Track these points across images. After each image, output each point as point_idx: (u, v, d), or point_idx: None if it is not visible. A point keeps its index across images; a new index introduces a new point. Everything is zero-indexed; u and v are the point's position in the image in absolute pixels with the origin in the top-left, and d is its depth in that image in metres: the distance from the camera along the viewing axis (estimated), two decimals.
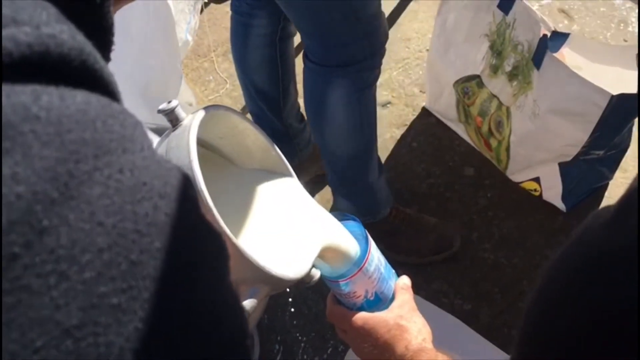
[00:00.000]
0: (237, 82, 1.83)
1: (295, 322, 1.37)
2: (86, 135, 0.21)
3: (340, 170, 1.31)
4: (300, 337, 1.35)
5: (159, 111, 0.46)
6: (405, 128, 1.69)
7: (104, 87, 0.24)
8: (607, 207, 0.28)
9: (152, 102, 1.32)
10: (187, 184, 0.25)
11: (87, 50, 0.22)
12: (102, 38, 0.28)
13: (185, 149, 0.43)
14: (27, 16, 0.21)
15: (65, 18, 0.23)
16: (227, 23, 2.01)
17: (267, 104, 1.40)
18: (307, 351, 1.33)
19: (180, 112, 0.47)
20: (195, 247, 0.24)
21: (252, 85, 1.39)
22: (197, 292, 0.23)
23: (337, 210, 1.42)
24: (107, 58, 0.29)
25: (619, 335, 0.24)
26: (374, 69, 1.16)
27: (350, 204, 1.37)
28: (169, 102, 0.46)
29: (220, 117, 0.52)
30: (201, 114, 0.47)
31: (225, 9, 2.03)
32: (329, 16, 1.04)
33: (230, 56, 1.92)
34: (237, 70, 1.42)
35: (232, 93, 1.85)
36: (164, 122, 0.51)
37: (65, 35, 0.22)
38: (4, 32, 0.20)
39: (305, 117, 1.52)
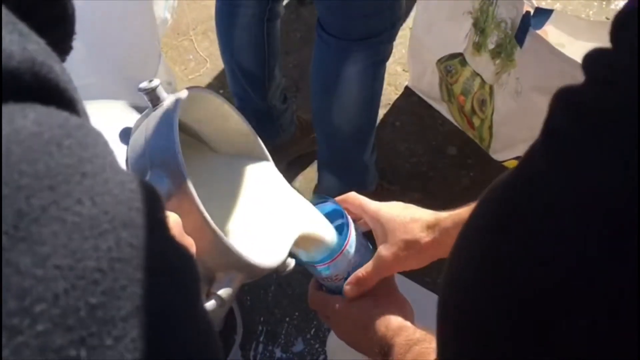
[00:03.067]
0: (218, 62, 1.81)
1: (278, 302, 1.37)
2: (39, 165, 0.18)
3: (340, 148, 1.31)
4: (283, 318, 1.35)
5: (140, 90, 0.45)
6: (388, 107, 1.67)
7: (59, 98, 0.21)
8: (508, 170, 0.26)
9: (130, 81, 1.29)
10: (153, 203, 0.23)
11: (39, 60, 0.20)
12: (62, 29, 0.26)
13: (165, 131, 0.42)
14: None
15: (15, 18, 0.21)
16: (207, 1, 1.97)
17: (251, 85, 1.39)
18: (290, 332, 1.33)
19: (162, 91, 0.45)
20: (165, 278, 0.22)
21: (237, 66, 1.37)
22: (168, 329, 0.21)
23: (324, 188, 1.41)
24: (67, 49, 0.27)
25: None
26: (391, 42, 1.17)
27: (340, 181, 1.37)
28: (150, 81, 0.45)
29: (201, 100, 0.51)
30: (183, 95, 0.46)
31: None
32: None
33: (211, 35, 1.89)
34: (222, 51, 1.39)
35: (213, 72, 1.82)
36: (142, 102, 0.50)
37: (15, 46, 0.19)
38: None
39: (287, 97, 1.51)
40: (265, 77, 1.38)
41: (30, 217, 0.18)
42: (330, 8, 1.10)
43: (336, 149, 1.31)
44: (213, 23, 1.90)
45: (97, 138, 0.21)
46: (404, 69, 1.74)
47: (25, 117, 0.19)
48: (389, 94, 1.70)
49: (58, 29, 0.25)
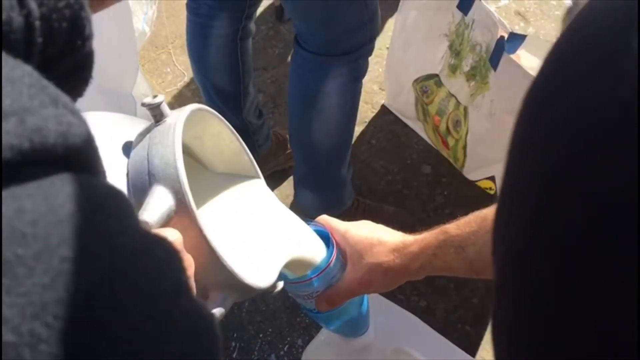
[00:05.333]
0: None
1: (251, 319, 1.36)
2: (76, 249, 0.19)
3: (318, 164, 1.31)
4: (256, 334, 1.34)
5: (144, 105, 0.45)
6: (364, 125, 1.69)
7: (83, 162, 0.22)
8: None
9: (107, 93, 1.28)
10: (178, 266, 0.23)
11: (71, 132, 0.21)
12: (81, 76, 0.27)
13: (170, 147, 0.43)
14: (8, 102, 0.19)
15: (44, 80, 0.21)
16: (185, 15, 1.98)
17: (226, 103, 1.39)
18: (264, 348, 1.33)
19: (166, 108, 0.46)
20: (193, 344, 0.22)
21: (211, 86, 1.38)
22: None
23: (301, 204, 1.42)
24: (82, 93, 0.28)
25: None
26: (368, 57, 1.19)
27: (317, 197, 1.37)
28: (155, 96, 0.46)
29: (199, 117, 0.52)
30: (186, 112, 0.47)
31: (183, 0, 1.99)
32: (344, 3, 1.05)
33: None
34: (196, 72, 1.39)
35: (190, 86, 1.82)
36: (117, 111, 0.50)
37: (51, 122, 0.20)
38: None
39: (262, 113, 1.52)
40: (240, 94, 1.39)
41: (70, 301, 0.18)
42: (313, 26, 1.11)
43: (314, 165, 1.32)
44: None
45: (120, 200, 0.22)
46: (381, 87, 1.77)
47: (59, 191, 0.19)
48: (366, 112, 1.72)
49: (77, 76, 0.26)
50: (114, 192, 0.22)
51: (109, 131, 0.47)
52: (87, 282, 0.19)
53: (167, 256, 0.23)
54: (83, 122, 0.22)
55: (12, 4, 0.21)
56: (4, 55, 0.20)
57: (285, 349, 1.32)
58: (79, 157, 0.21)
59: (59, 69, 0.24)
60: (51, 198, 0.19)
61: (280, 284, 0.53)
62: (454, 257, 0.56)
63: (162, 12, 1.95)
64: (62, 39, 0.24)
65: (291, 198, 1.50)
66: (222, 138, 0.56)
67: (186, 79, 1.83)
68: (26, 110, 0.19)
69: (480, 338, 1.33)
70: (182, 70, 1.85)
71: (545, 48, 1.33)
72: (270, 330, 1.35)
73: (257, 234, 0.54)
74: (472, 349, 1.21)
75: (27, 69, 0.21)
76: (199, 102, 1.86)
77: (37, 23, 0.22)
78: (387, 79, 1.67)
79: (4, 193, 0.18)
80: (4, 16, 0.20)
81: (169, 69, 1.86)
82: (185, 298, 0.23)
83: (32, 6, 0.22)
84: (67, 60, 0.25)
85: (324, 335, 0.87)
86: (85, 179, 0.21)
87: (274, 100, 1.76)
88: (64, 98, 0.21)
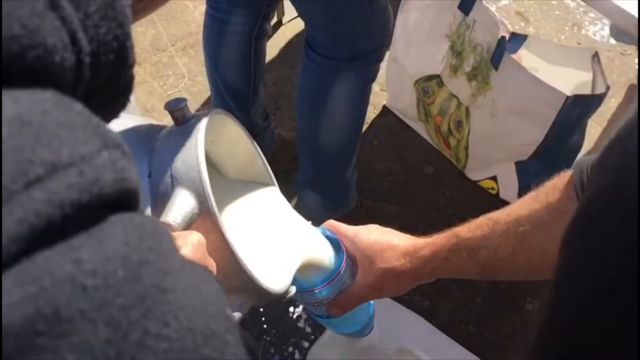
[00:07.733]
0: (197, 78, 1.81)
1: (255, 320, 1.36)
2: (133, 295, 0.19)
3: (324, 167, 1.31)
4: (260, 336, 1.34)
5: (167, 108, 0.46)
6: (366, 126, 1.69)
7: (130, 200, 0.22)
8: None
9: None
10: (223, 300, 0.23)
11: (125, 176, 0.21)
12: (121, 101, 0.27)
13: (193, 150, 0.43)
14: (66, 151, 0.19)
15: (93, 116, 0.21)
16: (186, 17, 1.98)
17: (235, 101, 1.40)
18: (268, 350, 1.33)
19: (188, 111, 0.47)
20: None
21: (222, 82, 1.38)
22: None
23: (305, 206, 1.42)
24: (119, 114, 0.28)
25: None
26: (378, 62, 1.19)
27: (322, 199, 1.37)
28: (178, 99, 0.47)
29: (218, 121, 0.52)
30: (207, 116, 0.47)
31: (185, 2, 1.99)
32: (346, 9, 1.04)
33: (190, 51, 1.89)
34: (208, 66, 1.40)
35: (192, 88, 1.82)
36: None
37: (108, 171, 0.20)
38: (43, 193, 0.17)
39: (268, 115, 1.52)
40: (250, 94, 1.39)
41: (130, 355, 0.18)
42: (320, 30, 1.11)
43: (320, 168, 1.32)
44: (192, 39, 1.91)
45: (165, 235, 0.22)
46: (382, 88, 1.77)
47: (113, 236, 0.19)
48: (368, 113, 1.71)
49: (118, 102, 0.26)
50: (157, 227, 0.22)
51: (130, 134, 0.47)
52: (143, 327, 0.19)
53: (213, 291, 0.23)
54: (131, 160, 0.22)
55: (65, 44, 0.21)
56: (57, 95, 0.20)
57: (290, 350, 1.32)
58: (129, 199, 0.21)
59: (102, 97, 0.24)
60: (105, 244, 0.19)
61: (293, 289, 0.53)
62: (466, 261, 0.55)
63: (162, 16, 1.95)
64: (108, 70, 0.24)
65: (293, 201, 1.50)
66: (238, 143, 0.56)
67: (187, 82, 1.83)
68: (83, 160, 0.19)
69: (483, 337, 1.33)
70: (183, 72, 1.85)
71: (546, 48, 1.33)
72: (274, 331, 1.35)
73: (270, 240, 0.55)
74: (475, 349, 1.21)
75: (78, 107, 0.21)
76: (201, 104, 1.85)
77: (88, 59, 0.22)
78: (388, 79, 1.67)
79: (62, 248, 0.18)
80: (57, 58, 0.20)
81: (170, 72, 1.87)
82: (234, 334, 0.23)
83: (83, 43, 0.21)
84: (110, 89, 0.25)
85: (328, 336, 0.87)
86: (132, 218, 0.21)
87: (275, 102, 1.76)
88: (112, 135, 0.21)
